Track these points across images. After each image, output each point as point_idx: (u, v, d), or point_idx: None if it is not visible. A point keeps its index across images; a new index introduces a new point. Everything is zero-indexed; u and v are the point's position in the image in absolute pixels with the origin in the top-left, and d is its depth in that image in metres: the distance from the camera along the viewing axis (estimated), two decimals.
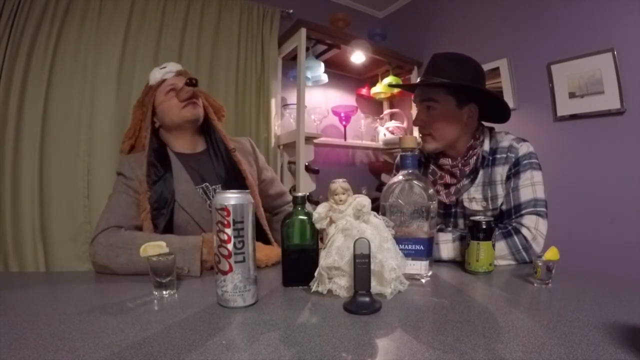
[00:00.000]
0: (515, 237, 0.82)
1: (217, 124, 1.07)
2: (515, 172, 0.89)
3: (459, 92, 0.91)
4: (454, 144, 0.95)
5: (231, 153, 1.04)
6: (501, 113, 0.97)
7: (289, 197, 1.23)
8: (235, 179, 1.01)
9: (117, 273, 0.75)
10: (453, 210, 0.97)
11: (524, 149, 0.90)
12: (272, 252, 0.83)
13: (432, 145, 0.95)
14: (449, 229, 0.93)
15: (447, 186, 0.96)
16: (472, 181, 0.93)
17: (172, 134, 1.03)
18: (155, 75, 1.03)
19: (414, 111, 2.38)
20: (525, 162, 0.89)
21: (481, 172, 0.92)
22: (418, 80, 0.97)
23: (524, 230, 0.82)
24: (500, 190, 0.90)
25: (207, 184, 0.99)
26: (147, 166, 0.92)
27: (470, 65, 0.93)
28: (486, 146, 0.94)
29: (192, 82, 0.96)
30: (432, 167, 0.99)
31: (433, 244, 0.83)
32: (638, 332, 0.43)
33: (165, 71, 1.02)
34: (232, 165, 1.03)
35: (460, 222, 0.97)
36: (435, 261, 0.79)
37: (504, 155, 0.91)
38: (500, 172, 0.91)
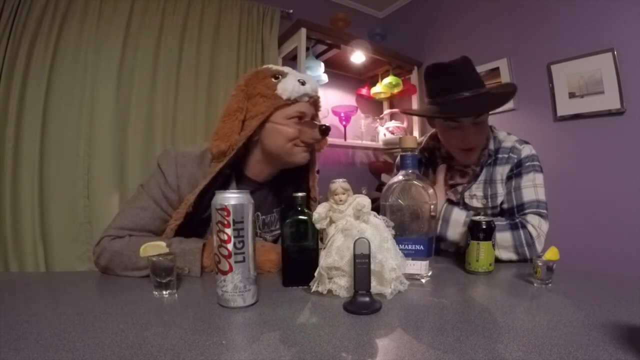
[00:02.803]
0: (522, 231, 0.82)
1: (315, 175, 0.94)
2: (517, 173, 0.90)
3: None
4: None
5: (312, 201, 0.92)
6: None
7: None
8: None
9: (119, 275, 0.74)
10: None
11: (526, 151, 0.91)
12: (278, 259, 0.73)
13: (474, 158, 0.92)
14: (460, 207, 0.90)
15: (453, 185, 0.97)
16: (475, 178, 0.93)
17: (258, 156, 0.86)
18: (288, 89, 0.80)
19: None
20: (527, 164, 0.89)
21: (484, 170, 0.93)
22: (455, 96, 0.87)
23: (530, 227, 0.83)
24: (500, 189, 0.90)
25: (258, 213, 0.88)
26: (210, 182, 0.78)
27: (473, 65, 0.92)
28: (491, 145, 0.94)
29: (325, 132, 0.84)
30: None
31: (441, 221, 0.84)
32: (638, 332, 0.43)
33: (301, 92, 0.81)
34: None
35: None
36: (437, 240, 0.77)
37: (506, 156, 0.91)
38: (501, 171, 0.91)
